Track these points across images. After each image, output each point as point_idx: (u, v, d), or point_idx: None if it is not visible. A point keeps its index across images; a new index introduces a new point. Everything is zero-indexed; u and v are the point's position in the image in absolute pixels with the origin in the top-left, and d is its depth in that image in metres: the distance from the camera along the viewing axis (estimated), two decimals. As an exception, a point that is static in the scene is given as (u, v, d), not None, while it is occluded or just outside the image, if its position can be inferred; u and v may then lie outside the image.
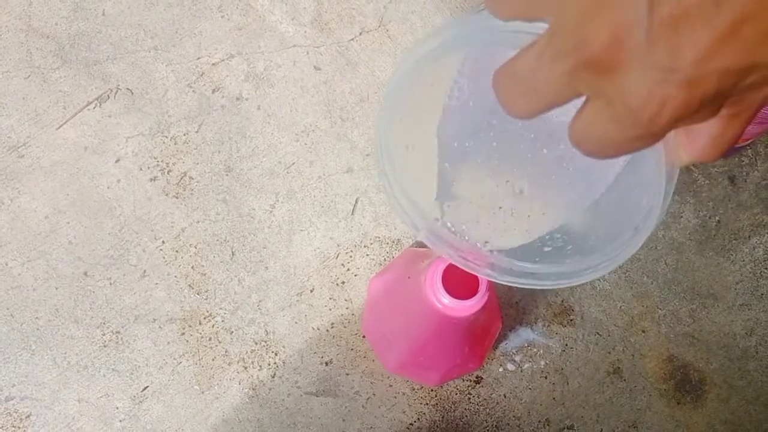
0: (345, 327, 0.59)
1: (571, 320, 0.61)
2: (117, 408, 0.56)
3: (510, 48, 0.21)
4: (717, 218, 0.65)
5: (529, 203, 0.35)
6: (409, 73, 0.26)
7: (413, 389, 0.59)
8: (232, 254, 0.60)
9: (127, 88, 0.62)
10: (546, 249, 0.37)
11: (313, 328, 0.59)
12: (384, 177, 0.35)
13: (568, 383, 0.60)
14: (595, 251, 0.35)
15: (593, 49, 0.18)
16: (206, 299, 0.59)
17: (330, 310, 0.60)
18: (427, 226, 0.37)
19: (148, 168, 0.61)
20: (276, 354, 0.58)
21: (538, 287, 0.37)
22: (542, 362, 0.60)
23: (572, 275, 0.36)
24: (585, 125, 0.20)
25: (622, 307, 0.62)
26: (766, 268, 0.64)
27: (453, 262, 0.39)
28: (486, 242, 0.38)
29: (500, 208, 0.36)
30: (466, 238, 0.38)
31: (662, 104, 0.18)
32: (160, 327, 0.58)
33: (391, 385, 0.58)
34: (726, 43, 0.17)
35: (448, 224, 0.38)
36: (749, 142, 0.65)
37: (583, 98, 0.20)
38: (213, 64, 0.64)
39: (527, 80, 0.20)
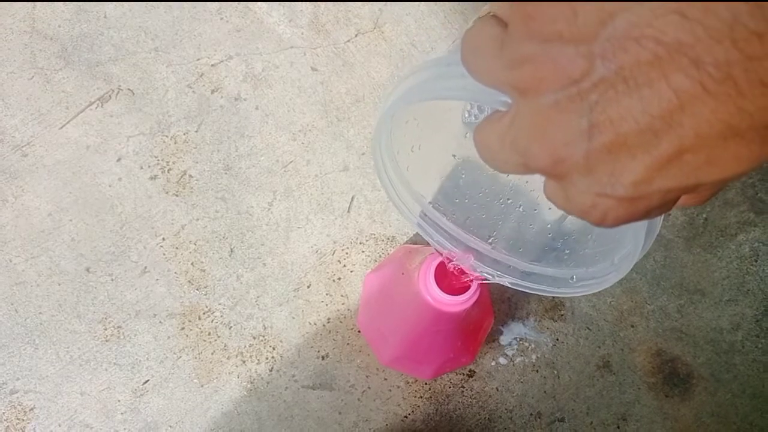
0: (341, 322, 0.60)
1: (562, 315, 0.63)
2: (118, 401, 0.57)
3: None
4: (704, 216, 0.66)
5: (538, 195, 0.36)
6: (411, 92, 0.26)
7: (408, 383, 0.60)
8: (231, 251, 0.61)
9: (129, 89, 0.63)
10: (545, 249, 0.38)
11: (310, 323, 0.60)
12: (385, 179, 0.35)
13: (559, 377, 0.61)
14: (589, 263, 0.35)
15: (537, 166, 0.19)
16: (206, 295, 0.60)
17: (326, 305, 0.61)
18: (433, 221, 0.37)
19: (149, 167, 0.62)
20: (274, 348, 0.59)
21: (530, 291, 0.38)
22: (534, 356, 0.61)
23: (563, 283, 0.37)
24: (549, 194, 0.21)
25: (612, 303, 0.63)
26: (752, 265, 0.65)
27: (457, 263, 0.40)
28: (490, 236, 0.39)
29: (509, 200, 0.37)
30: (472, 230, 0.39)
31: (605, 213, 0.19)
32: (160, 322, 0.59)
33: (386, 379, 0.59)
34: (666, 168, 0.17)
35: (454, 218, 0.39)
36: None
37: None
38: (212, 65, 0.65)
39: (494, 153, 0.21)
